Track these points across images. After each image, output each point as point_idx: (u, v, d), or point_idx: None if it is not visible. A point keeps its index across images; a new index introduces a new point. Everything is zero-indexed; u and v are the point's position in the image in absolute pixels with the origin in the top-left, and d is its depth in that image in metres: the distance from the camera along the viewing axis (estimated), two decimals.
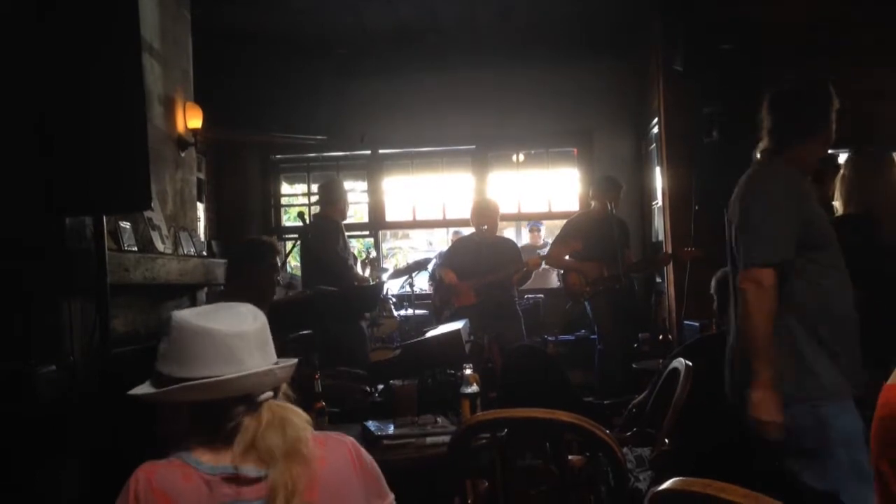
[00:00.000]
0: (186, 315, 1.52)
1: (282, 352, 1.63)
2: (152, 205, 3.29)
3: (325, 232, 5.58)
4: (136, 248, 3.56)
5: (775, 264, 2.43)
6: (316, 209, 8.24)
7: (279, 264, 3.79)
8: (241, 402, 1.50)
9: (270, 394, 1.53)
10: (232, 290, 3.61)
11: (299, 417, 1.54)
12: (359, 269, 6.25)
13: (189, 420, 1.50)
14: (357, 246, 9.29)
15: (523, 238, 10.51)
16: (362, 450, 1.63)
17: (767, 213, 2.50)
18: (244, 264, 3.59)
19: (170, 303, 3.95)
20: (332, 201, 5.78)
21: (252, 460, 1.46)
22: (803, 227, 2.47)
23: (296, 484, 1.43)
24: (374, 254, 7.75)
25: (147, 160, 2.72)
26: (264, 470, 1.44)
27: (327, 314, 4.58)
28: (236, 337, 1.50)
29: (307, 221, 5.75)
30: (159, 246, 3.84)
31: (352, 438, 1.65)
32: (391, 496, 1.66)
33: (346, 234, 5.77)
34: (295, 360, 1.62)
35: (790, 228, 2.46)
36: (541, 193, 8.50)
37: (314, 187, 8.59)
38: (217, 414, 1.49)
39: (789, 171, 2.57)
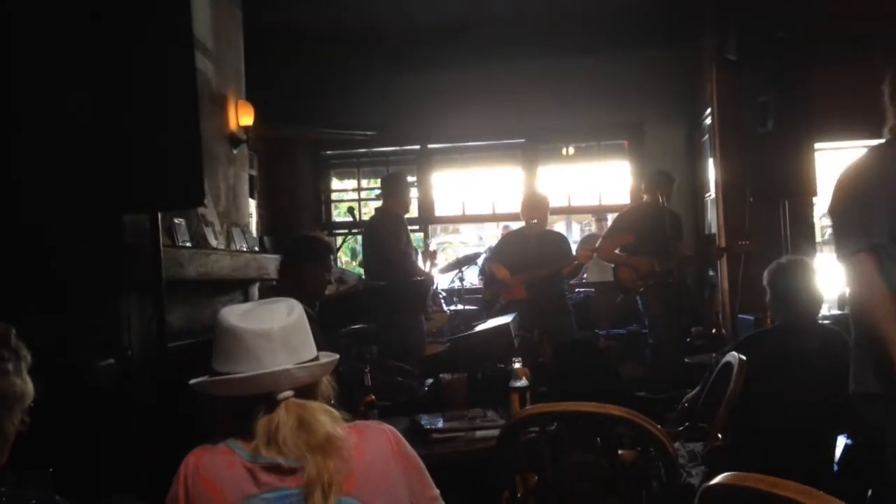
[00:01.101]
0: (226, 312, 1.58)
1: (335, 346, 1.65)
2: (205, 201, 3.34)
3: (385, 226, 5.58)
4: (189, 244, 3.62)
5: (867, 249, 2.29)
6: (366, 204, 8.30)
7: (333, 263, 3.80)
8: (261, 400, 1.53)
9: (290, 393, 1.54)
10: (284, 286, 3.62)
11: (325, 414, 1.54)
12: (420, 262, 6.24)
13: (223, 414, 1.57)
14: None
15: (574, 232, 10.45)
16: (402, 438, 1.65)
17: (863, 197, 2.35)
18: (298, 261, 3.56)
19: (223, 297, 4.01)
20: (395, 194, 5.76)
21: (276, 454, 1.48)
22: None
23: (333, 477, 1.45)
24: (434, 247, 7.66)
25: (200, 158, 2.77)
26: (297, 461, 1.46)
27: (375, 309, 4.59)
28: (259, 336, 1.53)
29: (357, 217, 5.76)
30: (212, 242, 3.90)
31: (391, 427, 1.66)
32: (437, 491, 1.67)
33: None
34: (335, 357, 1.64)
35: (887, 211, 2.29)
36: (591, 187, 8.41)
37: (364, 182, 8.63)
38: (242, 409, 1.53)
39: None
